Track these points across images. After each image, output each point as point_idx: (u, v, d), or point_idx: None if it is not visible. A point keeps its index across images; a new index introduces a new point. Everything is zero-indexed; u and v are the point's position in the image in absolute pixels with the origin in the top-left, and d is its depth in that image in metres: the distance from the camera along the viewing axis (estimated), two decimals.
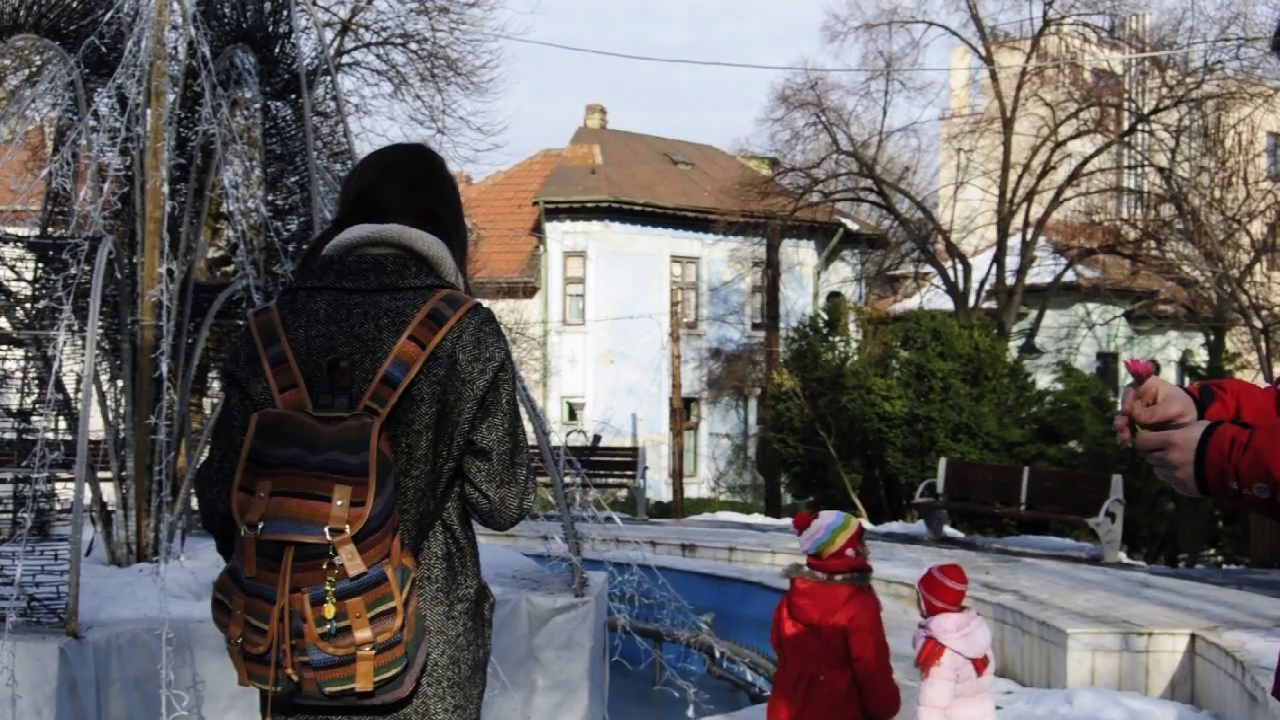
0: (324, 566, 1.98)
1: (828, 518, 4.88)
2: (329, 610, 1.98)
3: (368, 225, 2.27)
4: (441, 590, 2.21)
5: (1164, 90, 24.14)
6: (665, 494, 24.85)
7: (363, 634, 2.00)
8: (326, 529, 1.98)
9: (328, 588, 1.98)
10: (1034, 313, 26.23)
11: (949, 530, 15.54)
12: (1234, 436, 1.96)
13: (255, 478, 2.05)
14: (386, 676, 2.04)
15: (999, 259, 24.78)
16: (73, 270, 5.35)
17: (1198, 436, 1.98)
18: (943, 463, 15.67)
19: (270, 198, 6.65)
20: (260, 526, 2.01)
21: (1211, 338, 23.20)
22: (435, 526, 2.22)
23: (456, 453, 2.19)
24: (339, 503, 1.99)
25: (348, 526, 1.98)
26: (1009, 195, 24.56)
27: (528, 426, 2.54)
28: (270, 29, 6.71)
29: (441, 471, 2.19)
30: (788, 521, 16.57)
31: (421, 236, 2.27)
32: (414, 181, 2.37)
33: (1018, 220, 24.86)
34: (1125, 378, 2.09)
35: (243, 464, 2.07)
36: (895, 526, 16.86)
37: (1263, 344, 19.27)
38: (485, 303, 2.28)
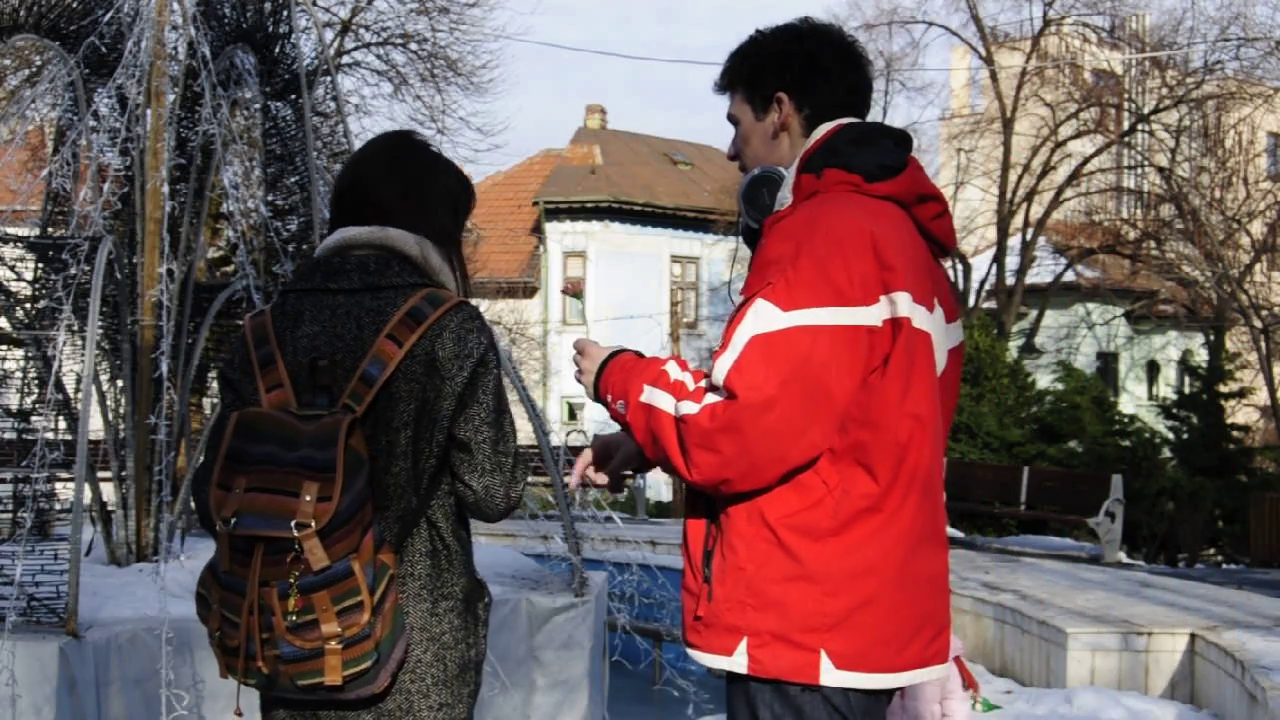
0: (289, 560, 2.01)
1: None
2: (293, 603, 2.01)
3: (353, 227, 2.31)
4: (425, 587, 2.22)
5: (1164, 90, 24.16)
6: (665, 494, 24.85)
7: (329, 627, 2.02)
8: (293, 523, 2.01)
9: (292, 581, 2.01)
10: (1034, 313, 26.24)
11: (949, 530, 15.52)
12: (626, 361, 2.21)
13: (233, 475, 2.09)
14: (356, 671, 2.06)
15: (999, 259, 24.79)
16: (73, 270, 5.34)
17: (608, 351, 2.25)
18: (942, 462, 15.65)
19: (270, 198, 6.65)
20: (233, 522, 2.05)
21: (1211, 338, 23.20)
22: (420, 524, 2.23)
23: (438, 449, 2.21)
24: (307, 498, 2.02)
25: (314, 521, 2.01)
26: (1009, 195, 24.57)
27: (527, 426, 2.55)
28: (270, 29, 6.70)
29: (423, 468, 2.21)
30: None
31: (403, 236, 2.29)
32: (402, 175, 2.39)
33: (1018, 220, 24.87)
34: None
35: (220, 461, 2.11)
36: None
37: (1262, 344, 19.29)
38: (484, 303, 2.29)
